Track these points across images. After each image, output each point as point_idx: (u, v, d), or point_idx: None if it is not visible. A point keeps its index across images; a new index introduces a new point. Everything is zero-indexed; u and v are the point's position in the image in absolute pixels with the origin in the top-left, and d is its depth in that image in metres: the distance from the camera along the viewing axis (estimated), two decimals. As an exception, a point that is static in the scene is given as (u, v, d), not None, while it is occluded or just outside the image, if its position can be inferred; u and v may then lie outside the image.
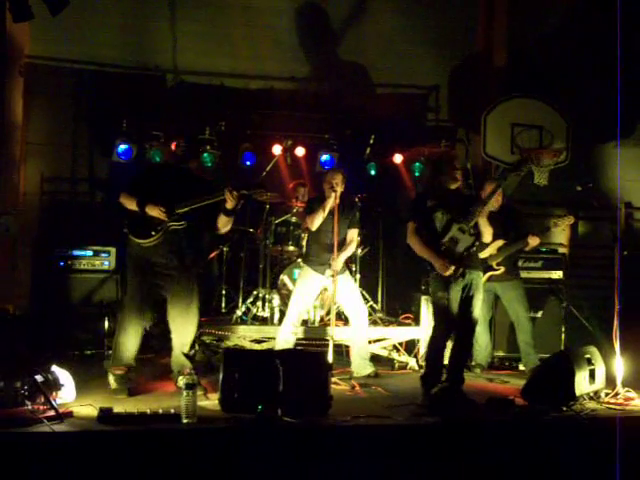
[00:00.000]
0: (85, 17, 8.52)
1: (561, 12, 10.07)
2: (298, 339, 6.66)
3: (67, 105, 8.78)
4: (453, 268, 5.44)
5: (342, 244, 6.52)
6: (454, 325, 5.63)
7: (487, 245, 6.82)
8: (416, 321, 7.35)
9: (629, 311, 5.83)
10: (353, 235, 6.64)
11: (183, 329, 5.52)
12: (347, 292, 6.55)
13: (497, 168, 8.81)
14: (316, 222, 6.39)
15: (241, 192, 5.33)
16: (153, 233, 5.32)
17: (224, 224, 5.56)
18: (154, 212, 5.29)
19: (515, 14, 9.64)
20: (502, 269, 6.81)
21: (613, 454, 4.45)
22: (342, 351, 7.13)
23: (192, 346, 5.65)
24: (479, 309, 5.68)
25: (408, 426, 4.71)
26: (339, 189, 6.30)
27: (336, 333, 6.31)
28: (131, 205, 5.37)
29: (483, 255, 6.81)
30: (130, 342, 5.44)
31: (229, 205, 5.36)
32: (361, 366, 6.51)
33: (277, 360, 4.69)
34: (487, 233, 5.67)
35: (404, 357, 7.17)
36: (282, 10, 9.27)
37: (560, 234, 9.51)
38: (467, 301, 5.59)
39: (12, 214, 7.60)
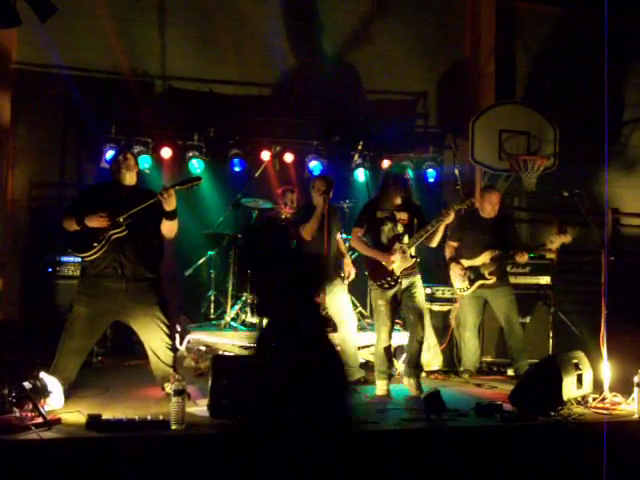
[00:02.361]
0: (73, 23, 8.50)
1: (548, 19, 10.16)
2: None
3: (55, 111, 8.73)
4: (396, 260, 5.86)
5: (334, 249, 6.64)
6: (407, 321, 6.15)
7: (479, 253, 6.81)
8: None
9: (616, 316, 5.87)
10: (340, 238, 6.95)
11: (152, 340, 5.44)
12: (337, 298, 6.56)
13: (484, 175, 8.86)
14: (311, 231, 6.41)
15: (175, 188, 5.32)
16: (95, 244, 5.22)
17: (168, 229, 5.49)
18: (94, 222, 5.20)
19: (502, 21, 9.71)
20: (494, 279, 6.77)
21: (600, 458, 4.48)
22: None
23: (172, 349, 5.55)
24: (424, 303, 6.18)
25: (397, 431, 4.73)
26: (328, 195, 6.33)
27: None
28: (71, 225, 5.28)
29: (475, 263, 6.82)
30: (71, 363, 5.30)
31: (167, 206, 5.31)
32: (350, 372, 6.52)
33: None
34: (434, 242, 6.09)
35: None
36: (270, 16, 9.28)
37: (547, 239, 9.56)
38: (411, 299, 6.02)
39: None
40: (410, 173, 8.92)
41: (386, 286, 5.92)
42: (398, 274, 5.91)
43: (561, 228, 9.12)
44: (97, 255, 5.26)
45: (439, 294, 7.45)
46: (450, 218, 5.88)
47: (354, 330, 6.63)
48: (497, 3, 9.71)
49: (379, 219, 6.01)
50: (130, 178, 5.47)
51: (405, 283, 5.99)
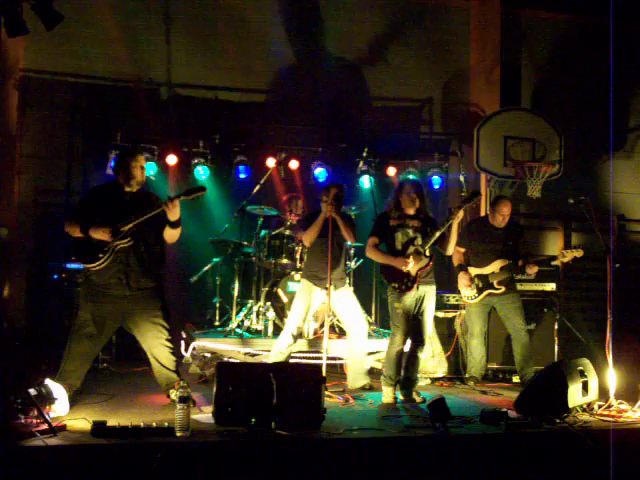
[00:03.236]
0: (80, 31, 8.57)
1: (553, 27, 10.17)
2: (292, 352, 6.65)
3: (61, 118, 8.78)
4: (412, 261, 5.87)
5: (342, 256, 6.67)
6: (410, 332, 6.08)
7: (489, 262, 6.79)
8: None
9: (622, 323, 5.86)
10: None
11: (154, 346, 5.43)
12: (347, 305, 6.56)
13: (489, 181, 8.86)
14: (310, 238, 6.42)
15: (180, 199, 5.30)
16: (100, 255, 5.21)
17: (170, 237, 5.49)
18: (98, 234, 5.19)
19: (508, 29, 9.72)
20: (503, 289, 6.77)
21: (606, 466, 4.46)
22: (336, 364, 7.12)
23: (174, 354, 5.53)
24: (431, 320, 6.18)
25: (401, 438, 4.72)
26: (335, 203, 6.31)
27: (330, 346, 6.29)
28: (75, 232, 5.27)
29: (485, 272, 6.80)
30: (77, 369, 5.32)
31: (171, 216, 5.31)
32: (356, 379, 6.51)
33: (271, 373, 4.69)
34: (450, 247, 6.10)
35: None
36: (275, 24, 9.31)
37: (553, 246, 9.56)
38: (420, 313, 6.06)
39: (6, 226, 7.60)
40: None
41: (403, 287, 5.91)
42: (414, 275, 5.91)
43: (568, 240, 9.13)
44: (103, 266, 5.27)
45: (444, 301, 7.45)
46: (460, 216, 5.85)
47: (364, 335, 6.61)
48: (503, 11, 9.72)
49: (392, 227, 6.05)
50: (135, 186, 5.48)
51: (421, 291, 5.98)
